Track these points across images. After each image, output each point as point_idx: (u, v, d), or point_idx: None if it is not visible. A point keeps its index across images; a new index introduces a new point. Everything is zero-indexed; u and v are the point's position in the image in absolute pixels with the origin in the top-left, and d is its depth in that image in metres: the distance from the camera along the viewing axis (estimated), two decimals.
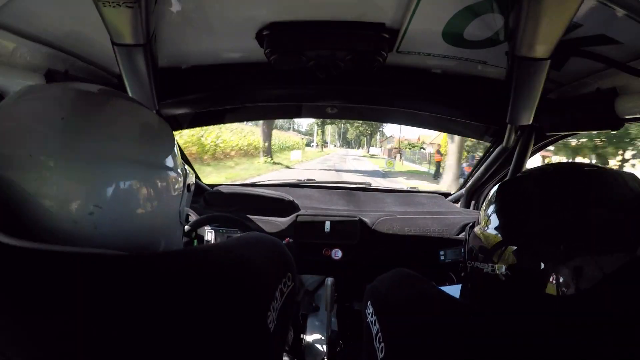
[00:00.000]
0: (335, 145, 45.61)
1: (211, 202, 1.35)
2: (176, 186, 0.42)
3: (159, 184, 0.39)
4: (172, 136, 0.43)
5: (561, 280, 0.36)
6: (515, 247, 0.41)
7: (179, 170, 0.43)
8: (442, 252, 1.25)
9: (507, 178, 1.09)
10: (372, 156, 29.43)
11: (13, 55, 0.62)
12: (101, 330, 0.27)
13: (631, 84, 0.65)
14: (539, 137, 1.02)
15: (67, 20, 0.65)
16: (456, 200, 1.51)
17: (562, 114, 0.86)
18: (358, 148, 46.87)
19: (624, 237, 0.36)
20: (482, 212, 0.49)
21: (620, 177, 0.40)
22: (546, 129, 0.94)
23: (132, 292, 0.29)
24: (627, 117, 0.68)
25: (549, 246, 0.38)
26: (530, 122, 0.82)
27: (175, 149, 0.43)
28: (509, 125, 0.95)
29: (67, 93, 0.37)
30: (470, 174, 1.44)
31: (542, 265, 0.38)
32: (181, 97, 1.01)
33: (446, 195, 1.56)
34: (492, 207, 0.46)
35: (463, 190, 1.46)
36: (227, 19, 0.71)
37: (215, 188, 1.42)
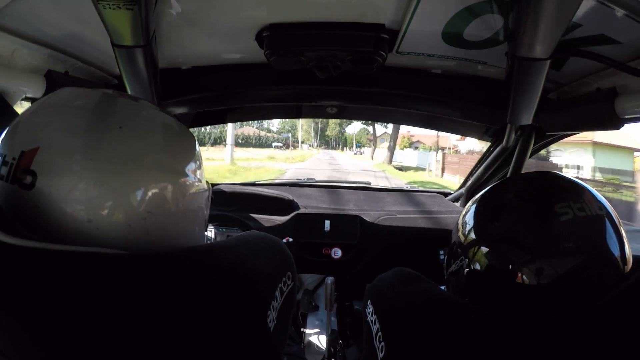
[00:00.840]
0: (310, 146, 36.20)
1: (211, 201, 1.35)
2: (206, 195, 0.44)
3: (194, 192, 0.41)
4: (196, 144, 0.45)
5: (525, 278, 0.40)
6: (484, 250, 0.45)
7: (204, 180, 0.44)
8: (442, 252, 1.25)
9: (506, 177, 1.09)
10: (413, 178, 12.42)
11: (13, 56, 0.62)
12: (101, 329, 0.27)
13: (631, 83, 0.65)
14: (539, 137, 1.02)
15: (67, 22, 0.65)
16: (456, 200, 1.51)
17: (562, 114, 0.86)
18: (343, 149, 37.72)
19: (578, 240, 0.40)
20: (460, 218, 0.52)
21: (582, 187, 0.44)
22: (546, 129, 0.94)
23: (132, 291, 0.29)
24: (627, 116, 0.68)
25: (512, 249, 0.42)
26: (530, 122, 0.82)
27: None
28: (509, 125, 0.95)
29: (108, 100, 0.37)
30: (470, 174, 1.44)
31: (509, 268, 0.42)
32: (181, 97, 1.01)
33: (446, 194, 1.56)
34: (468, 214, 0.50)
35: (463, 190, 1.46)
36: (227, 20, 0.71)
37: (215, 187, 1.43)
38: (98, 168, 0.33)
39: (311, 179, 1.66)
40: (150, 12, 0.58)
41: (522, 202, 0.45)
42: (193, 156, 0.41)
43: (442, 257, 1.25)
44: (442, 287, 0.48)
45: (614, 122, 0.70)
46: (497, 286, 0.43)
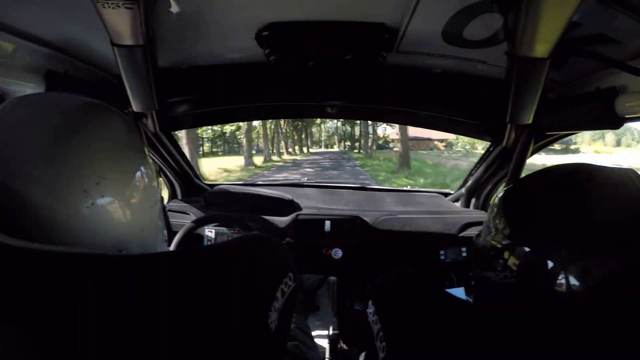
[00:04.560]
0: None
1: (211, 201, 1.35)
2: (153, 172, 0.47)
3: (148, 167, 0.45)
4: None
5: (569, 282, 0.36)
6: (522, 251, 0.41)
7: (147, 153, 0.47)
8: (442, 252, 1.25)
9: (507, 178, 1.09)
10: None
11: (13, 56, 0.62)
12: (100, 331, 0.27)
13: (631, 83, 0.65)
14: (539, 136, 1.02)
15: (67, 22, 0.65)
16: (456, 200, 1.51)
17: (562, 114, 0.86)
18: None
19: (629, 235, 0.36)
20: (488, 217, 0.48)
21: (624, 175, 0.40)
22: (546, 128, 0.94)
23: (132, 293, 0.29)
24: (626, 116, 0.68)
25: (554, 249, 0.38)
26: (530, 121, 0.82)
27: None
28: (508, 125, 0.95)
29: (50, 102, 0.41)
30: (470, 174, 1.44)
31: (548, 268, 0.38)
32: (181, 97, 1.01)
33: (446, 194, 1.56)
34: (497, 214, 0.46)
35: (463, 190, 1.46)
36: (227, 19, 0.71)
37: (215, 187, 1.43)
38: (44, 144, 0.35)
39: (311, 179, 1.67)
40: (150, 11, 0.58)
41: (562, 195, 0.41)
42: (130, 130, 0.45)
43: (442, 257, 1.25)
44: (448, 289, 0.47)
45: (614, 122, 0.70)
46: (537, 290, 0.39)
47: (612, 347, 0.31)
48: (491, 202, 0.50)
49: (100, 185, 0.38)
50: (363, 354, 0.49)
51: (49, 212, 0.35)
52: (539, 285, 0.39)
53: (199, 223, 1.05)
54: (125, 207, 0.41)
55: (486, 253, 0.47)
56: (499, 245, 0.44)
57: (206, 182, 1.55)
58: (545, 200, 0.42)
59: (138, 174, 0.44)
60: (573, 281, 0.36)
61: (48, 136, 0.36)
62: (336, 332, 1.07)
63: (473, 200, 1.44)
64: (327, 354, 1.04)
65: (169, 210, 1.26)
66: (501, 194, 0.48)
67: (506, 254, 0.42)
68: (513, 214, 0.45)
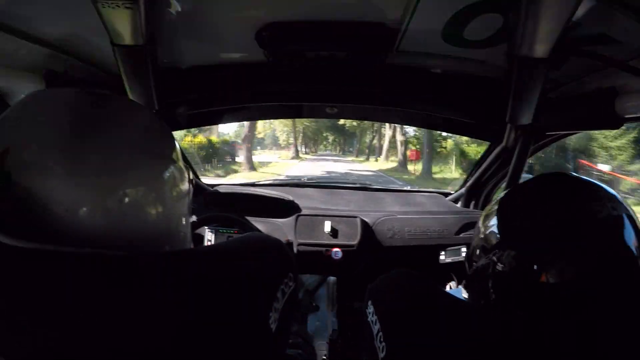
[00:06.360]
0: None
1: (210, 202, 1.35)
2: (186, 179, 0.44)
3: (175, 175, 0.41)
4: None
5: (551, 276, 0.40)
6: (512, 248, 0.44)
7: (183, 165, 0.44)
8: (442, 252, 1.25)
9: (507, 178, 1.09)
10: None
11: (12, 56, 0.62)
12: (100, 331, 0.27)
13: (631, 83, 0.65)
14: (539, 136, 1.02)
15: (67, 21, 0.65)
16: (456, 200, 1.51)
17: (562, 114, 0.86)
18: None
19: (608, 236, 0.39)
20: (481, 221, 0.51)
21: (598, 185, 0.45)
22: (546, 128, 0.94)
23: (132, 292, 0.29)
24: (626, 116, 0.68)
25: (540, 246, 0.41)
26: (530, 121, 0.82)
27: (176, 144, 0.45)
28: (508, 125, 0.95)
29: (75, 96, 0.38)
30: (470, 174, 1.44)
31: (535, 265, 0.41)
32: (181, 97, 1.01)
33: (446, 194, 1.56)
34: (492, 213, 0.49)
35: (463, 190, 1.46)
36: (227, 19, 0.71)
37: (214, 188, 1.42)
38: (72, 152, 0.33)
39: (311, 179, 1.67)
40: (150, 11, 0.58)
41: (554, 202, 0.44)
42: (174, 144, 0.42)
43: (442, 257, 1.25)
44: (449, 290, 0.48)
45: (614, 122, 0.70)
46: (524, 288, 0.42)
47: (601, 346, 0.33)
48: (485, 209, 0.54)
49: (122, 203, 0.35)
50: (363, 354, 0.49)
51: (67, 213, 0.33)
52: (525, 279, 0.42)
53: (199, 223, 1.05)
54: (154, 219, 0.38)
55: (476, 252, 0.50)
56: (489, 245, 0.47)
57: (205, 182, 1.55)
58: (534, 203, 0.45)
59: (168, 178, 0.40)
60: (555, 278, 0.39)
61: (72, 134, 0.34)
62: (336, 332, 1.07)
63: (473, 201, 1.44)
64: (327, 354, 1.04)
65: None
66: (498, 199, 0.51)
67: (496, 253, 0.45)
68: (505, 215, 0.47)
